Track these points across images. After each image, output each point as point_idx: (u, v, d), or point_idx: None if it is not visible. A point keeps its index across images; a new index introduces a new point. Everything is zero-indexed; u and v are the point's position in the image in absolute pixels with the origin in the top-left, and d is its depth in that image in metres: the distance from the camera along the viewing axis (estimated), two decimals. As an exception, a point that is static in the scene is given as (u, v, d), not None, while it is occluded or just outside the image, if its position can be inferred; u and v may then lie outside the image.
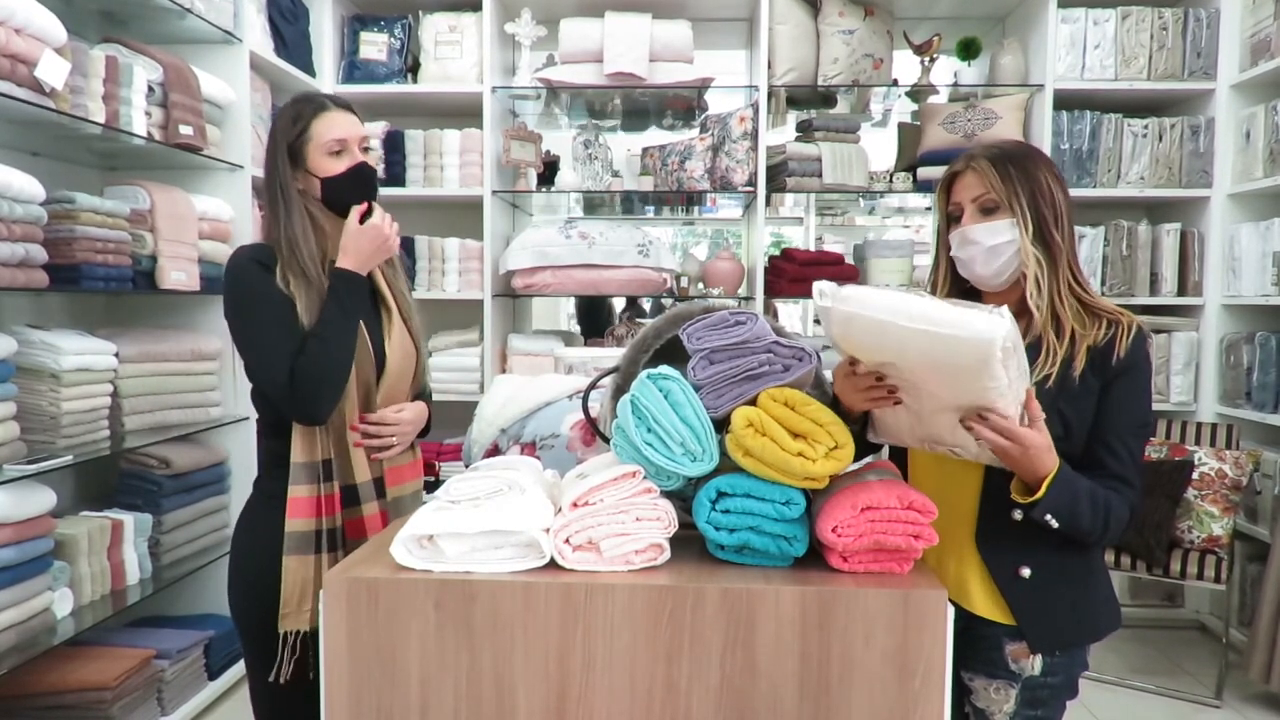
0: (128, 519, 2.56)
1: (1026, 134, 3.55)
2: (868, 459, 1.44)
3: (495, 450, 1.78)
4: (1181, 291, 3.59)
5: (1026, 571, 1.37)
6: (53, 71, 2.10)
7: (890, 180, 3.67)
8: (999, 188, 1.38)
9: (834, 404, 1.32)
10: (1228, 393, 3.46)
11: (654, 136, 4.06)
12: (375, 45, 3.61)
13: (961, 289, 1.49)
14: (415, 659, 1.17)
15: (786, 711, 1.15)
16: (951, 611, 1.15)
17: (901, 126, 3.87)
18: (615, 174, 3.88)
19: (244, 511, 1.68)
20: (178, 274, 2.63)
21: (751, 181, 3.51)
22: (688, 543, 1.27)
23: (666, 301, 3.96)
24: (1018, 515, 1.34)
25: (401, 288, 1.74)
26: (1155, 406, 2.69)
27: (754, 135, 3.49)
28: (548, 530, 1.21)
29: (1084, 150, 3.55)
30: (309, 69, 3.43)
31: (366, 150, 1.67)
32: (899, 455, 1.54)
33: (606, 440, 1.41)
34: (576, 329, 5.33)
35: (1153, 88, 3.52)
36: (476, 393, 3.53)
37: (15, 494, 2.08)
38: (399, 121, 3.69)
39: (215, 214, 2.86)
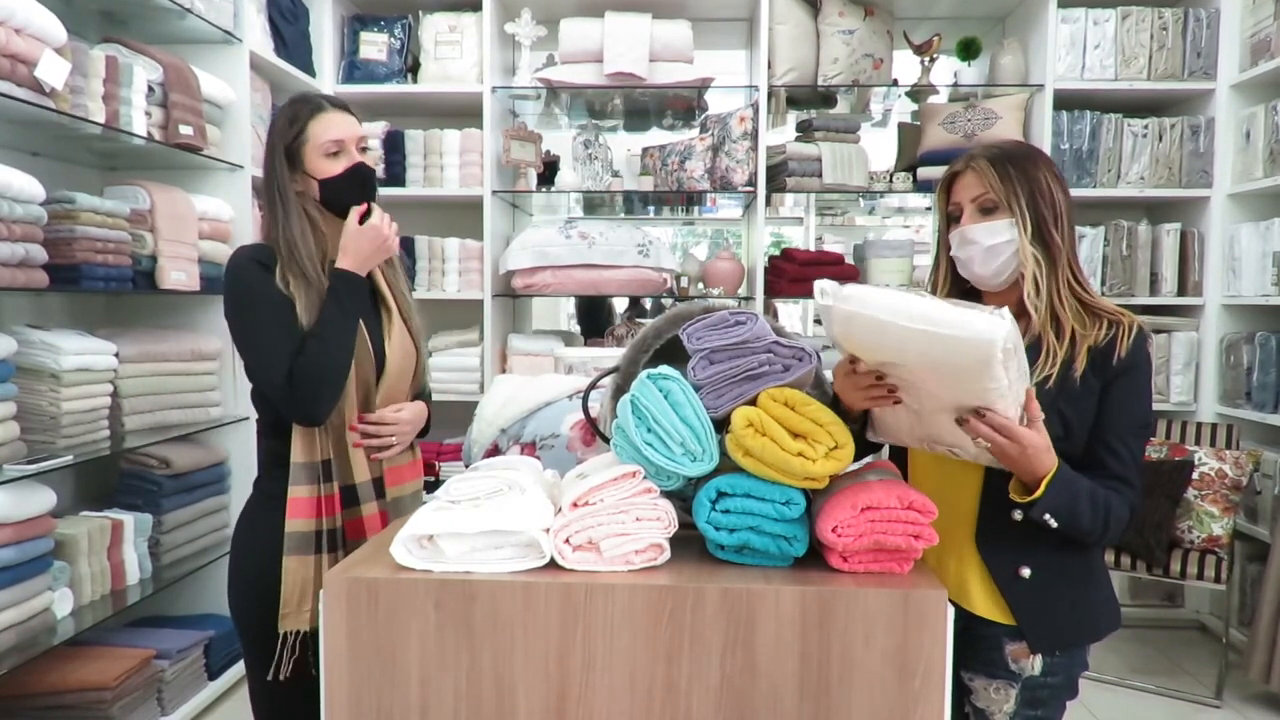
0: (128, 519, 2.56)
1: (1026, 134, 3.55)
2: (868, 459, 1.44)
3: (495, 450, 1.78)
4: (1181, 291, 3.59)
5: (1026, 571, 1.37)
6: (53, 71, 2.10)
7: (890, 180, 3.67)
8: (998, 188, 1.38)
9: (834, 403, 1.33)
10: (1228, 393, 3.46)
11: (654, 136, 4.06)
12: (375, 45, 3.61)
13: (962, 289, 1.49)
14: (415, 659, 1.17)
15: (786, 711, 1.15)
16: (951, 611, 1.15)
17: (901, 126, 3.88)
18: (615, 174, 3.88)
19: (244, 511, 1.68)
20: (178, 274, 2.63)
21: (751, 181, 3.51)
22: (688, 543, 1.27)
23: (666, 301, 3.96)
24: (1018, 515, 1.34)
25: (402, 288, 1.74)
26: (1155, 406, 2.69)
27: (754, 135, 3.49)
28: (548, 530, 1.21)
29: (1084, 150, 3.55)
30: (309, 69, 3.43)
31: (364, 150, 1.67)
32: (899, 455, 1.54)
33: (606, 440, 1.41)
34: (576, 329, 5.33)
35: (1153, 88, 3.52)
36: (476, 393, 3.53)
37: (15, 494, 2.08)
38: (399, 121, 3.69)
39: (215, 214, 2.86)
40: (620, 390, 1.40)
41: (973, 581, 1.41)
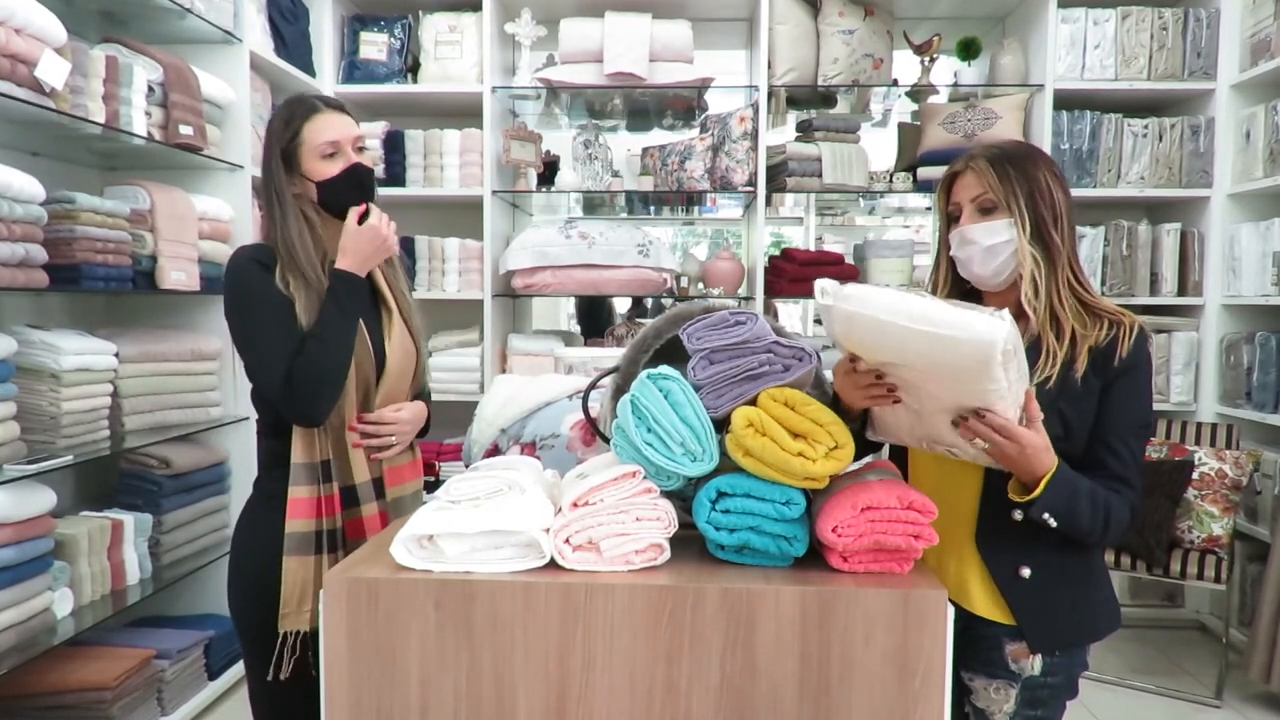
0: (128, 519, 2.56)
1: (1026, 134, 3.55)
2: (868, 459, 1.44)
3: (495, 450, 1.78)
4: (1181, 291, 3.59)
5: (1026, 571, 1.37)
6: (53, 71, 2.10)
7: (890, 180, 3.67)
8: (997, 188, 1.38)
9: (834, 402, 1.33)
10: (1228, 393, 3.46)
11: (654, 136, 4.06)
12: (375, 45, 3.61)
13: (962, 289, 1.49)
14: (415, 659, 1.17)
15: (786, 711, 1.15)
16: (951, 611, 1.15)
17: (901, 126, 3.87)
18: (615, 174, 3.88)
19: (244, 512, 1.68)
20: (178, 274, 2.63)
21: (751, 181, 3.51)
22: (688, 543, 1.27)
23: (666, 301, 3.96)
24: (1018, 515, 1.34)
25: (402, 287, 1.74)
26: (1155, 406, 2.68)
27: (754, 135, 3.49)
28: (548, 530, 1.21)
29: (1084, 150, 3.55)
30: (309, 69, 3.43)
31: (361, 150, 1.66)
32: (899, 455, 1.54)
33: (606, 440, 1.41)
34: (576, 329, 5.33)
35: (1153, 88, 3.52)
36: (476, 393, 3.53)
37: (15, 494, 2.08)
38: (399, 121, 3.69)
39: (215, 214, 2.86)
40: (620, 390, 1.40)
41: (973, 581, 1.41)
